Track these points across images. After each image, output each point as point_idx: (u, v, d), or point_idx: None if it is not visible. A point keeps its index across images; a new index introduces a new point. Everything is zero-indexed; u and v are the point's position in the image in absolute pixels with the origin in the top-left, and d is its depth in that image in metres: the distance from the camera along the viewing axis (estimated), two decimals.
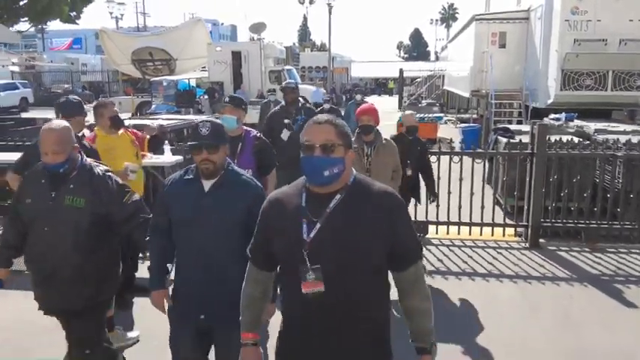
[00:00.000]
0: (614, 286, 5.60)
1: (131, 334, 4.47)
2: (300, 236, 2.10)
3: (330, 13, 35.57)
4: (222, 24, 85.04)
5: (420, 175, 6.04)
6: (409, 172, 5.63)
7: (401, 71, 36.39)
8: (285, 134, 6.26)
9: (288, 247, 2.15)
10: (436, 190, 6.44)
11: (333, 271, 2.07)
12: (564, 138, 7.77)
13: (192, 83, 26.46)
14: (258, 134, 4.69)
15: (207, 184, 2.83)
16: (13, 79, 33.52)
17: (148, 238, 3.08)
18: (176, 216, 2.86)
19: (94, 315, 3.23)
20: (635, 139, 7.34)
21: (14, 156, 7.09)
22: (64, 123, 3.14)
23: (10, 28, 30.58)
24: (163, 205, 2.94)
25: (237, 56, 23.94)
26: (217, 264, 2.77)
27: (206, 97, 22.63)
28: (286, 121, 6.33)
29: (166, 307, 2.95)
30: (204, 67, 26.38)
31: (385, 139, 5.08)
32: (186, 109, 20.61)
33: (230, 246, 2.75)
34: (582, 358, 4.30)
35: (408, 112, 6.20)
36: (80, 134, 4.30)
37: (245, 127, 4.59)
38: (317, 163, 2.08)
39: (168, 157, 6.54)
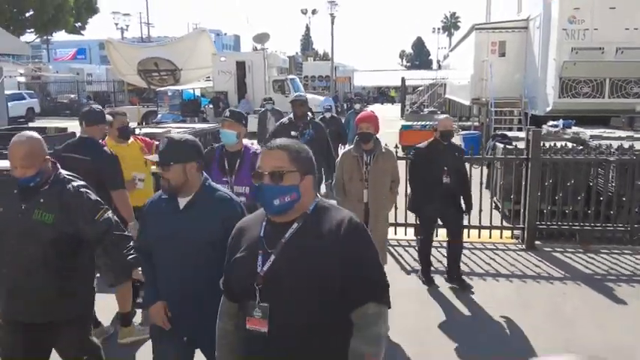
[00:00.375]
0: (606, 285, 5.84)
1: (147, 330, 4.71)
2: (255, 269, 2.02)
3: (332, 23, 36.05)
4: (226, 34, 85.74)
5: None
6: (446, 180, 5.50)
7: (403, 80, 36.70)
8: None
9: (242, 281, 2.07)
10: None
11: (289, 306, 1.97)
12: (559, 144, 8.03)
13: (197, 93, 26.84)
14: (258, 150, 4.59)
15: (182, 202, 2.76)
16: (19, 90, 33.93)
17: (132, 257, 3.06)
18: (153, 234, 2.82)
19: (68, 333, 3.11)
20: (627, 145, 7.60)
21: None
22: (34, 135, 2.97)
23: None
24: (143, 224, 2.95)
25: (241, 66, 24.29)
26: (193, 282, 2.68)
27: (211, 106, 22.96)
28: (293, 133, 6.21)
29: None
30: (208, 77, 26.77)
31: (385, 148, 5.01)
32: (192, 118, 20.95)
33: (205, 264, 2.65)
34: (573, 351, 4.53)
35: (443, 115, 6.03)
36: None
37: (244, 143, 4.51)
38: (265, 192, 1.99)
39: None
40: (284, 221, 2.04)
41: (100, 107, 4.68)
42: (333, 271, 1.96)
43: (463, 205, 5.90)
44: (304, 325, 1.98)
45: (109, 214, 3.11)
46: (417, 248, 6.31)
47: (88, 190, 3.08)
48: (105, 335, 4.66)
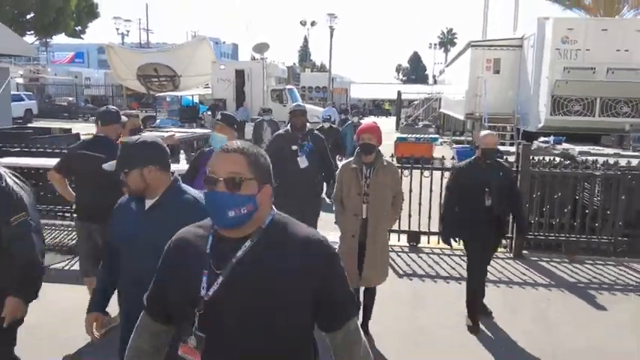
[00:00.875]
0: (589, 292, 6.13)
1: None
2: (198, 291, 1.74)
3: (331, 36, 36.39)
4: (224, 42, 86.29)
5: (508, 208, 5.31)
6: (488, 203, 4.95)
7: (399, 93, 37.21)
8: (302, 161, 5.84)
9: (181, 304, 1.79)
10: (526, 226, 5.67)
11: (236, 338, 1.71)
12: (548, 158, 8.35)
13: (196, 100, 27.12)
14: None
15: (148, 203, 2.62)
16: (18, 91, 34.11)
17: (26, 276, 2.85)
18: (115, 235, 2.70)
19: None
20: (612, 161, 7.93)
21: (35, 161, 7.67)
22: None
23: None
24: (110, 224, 2.78)
25: (240, 74, 24.60)
26: (145, 287, 2.29)
27: (209, 113, 23.26)
28: (294, 147, 5.87)
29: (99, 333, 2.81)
30: (207, 85, 27.08)
31: (386, 161, 4.77)
32: (190, 124, 21.23)
33: None
34: (557, 354, 4.78)
35: (485, 131, 5.39)
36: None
37: None
38: (220, 201, 1.71)
39: (182, 165, 7.08)
40: (235, 236, 1.77)
41: (115, 108, 4.94)
42: (295, 300, 1.73)
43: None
44: (255, 356, 1.74)
45: (22, 221, 2.89)
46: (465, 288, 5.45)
47: (18, 190, 2.95)
48: (114, 324, 4.89)
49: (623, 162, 8.09)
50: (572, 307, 5.81)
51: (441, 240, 5.51)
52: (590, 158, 8.39)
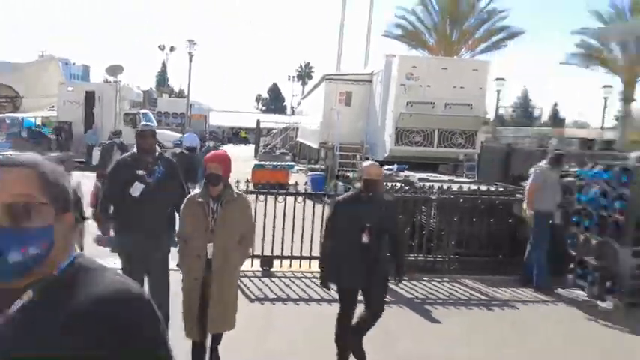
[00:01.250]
0: (425, 307, 6.65)
1: None
2: None
3: (190, 61, 36.01)
4: (74, 63, 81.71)
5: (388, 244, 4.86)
6: (365, 239, 4.46)
7: (258, 122, 37.73)
8: (136, 189, 4.98)
9: None
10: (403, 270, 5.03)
11: None
12: (390, 184, 8.99)
13: (39, 122, 25.47)
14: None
15: None
16: None
17: None
18: None
19: None
20: (446, 186, 8.73)
21: None
22: None
23: None
24: None
25: (91, 96, 23.52)
26: None
27: (54, 136, 21.90)
28: (140, 172, 5.07)
29: None
30: (52, 107, 25.52)
31: (237, 194, 4.42)
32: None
33: None
34: None
35: (367, 162, 4.96)
36: None
37: None
38: None
39: None
40: (7, 287, 1.17)
41: None
42: None
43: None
44: None
45: None
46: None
47: None
48: None
49: (456, 187, 8.91)
50: (410, 321, 6.26)
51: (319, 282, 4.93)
52: (428, 184, 9.14)
